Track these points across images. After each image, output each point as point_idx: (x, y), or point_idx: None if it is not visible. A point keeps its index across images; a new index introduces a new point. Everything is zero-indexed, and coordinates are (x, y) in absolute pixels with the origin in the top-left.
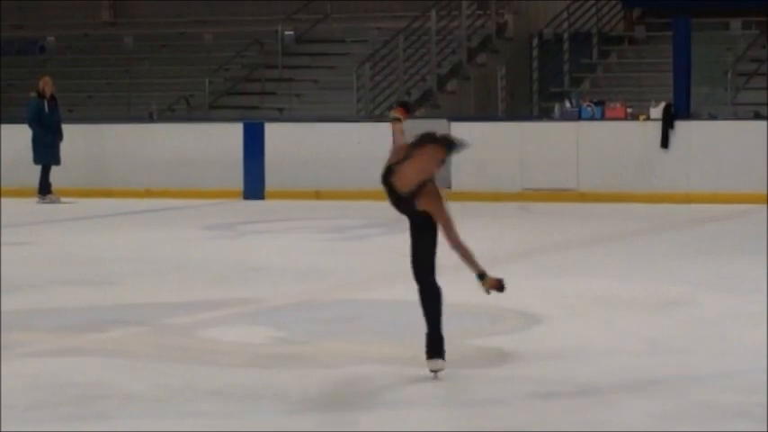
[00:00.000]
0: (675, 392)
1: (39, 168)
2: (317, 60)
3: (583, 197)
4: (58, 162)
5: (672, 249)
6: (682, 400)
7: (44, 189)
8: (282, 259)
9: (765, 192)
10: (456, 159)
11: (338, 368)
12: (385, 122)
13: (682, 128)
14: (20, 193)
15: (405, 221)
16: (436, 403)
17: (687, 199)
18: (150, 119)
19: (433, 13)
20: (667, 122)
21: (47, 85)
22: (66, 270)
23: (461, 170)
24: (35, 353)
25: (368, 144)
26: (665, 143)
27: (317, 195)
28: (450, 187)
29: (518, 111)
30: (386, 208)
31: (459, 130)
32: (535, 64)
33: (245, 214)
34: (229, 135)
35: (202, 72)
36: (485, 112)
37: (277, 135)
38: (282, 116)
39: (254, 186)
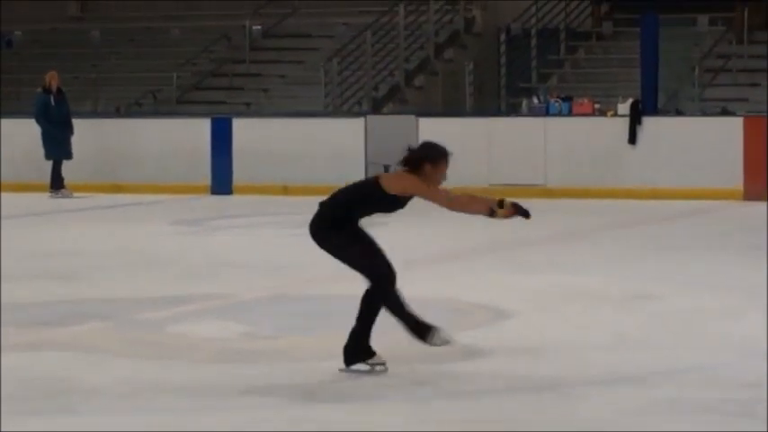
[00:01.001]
0: (644, 387)
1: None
2: (284, 55)
3: (550, 193)
4: (69, 156)
5: (640, 245)
6: (651, 395)
7: (56, 184)
8: (251, 254)
9: (733, 188)
10: None
11: (307, 363)
12: (352, 118)
13: (649, 124)
14: (28, 188)
15: (373, 217)
16: (404, 399)
17: (655, 195)
18: (117, 114)
19: (401, 8)
20: (635, 118)
21: (53, 79)
22: (34, 264)
23: None
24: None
25: (336, 139)
26: (632, 139)
27: (285, 191)
28: None
29: (486, 106)
30: None
31: (426, 126)
32: (503, 59)
33: (214, 209)
34: (197, 130)
35: (170, 67)
36: (452, 108)
37: (245, 130)
38: (250, 111)
39: (221, 181)
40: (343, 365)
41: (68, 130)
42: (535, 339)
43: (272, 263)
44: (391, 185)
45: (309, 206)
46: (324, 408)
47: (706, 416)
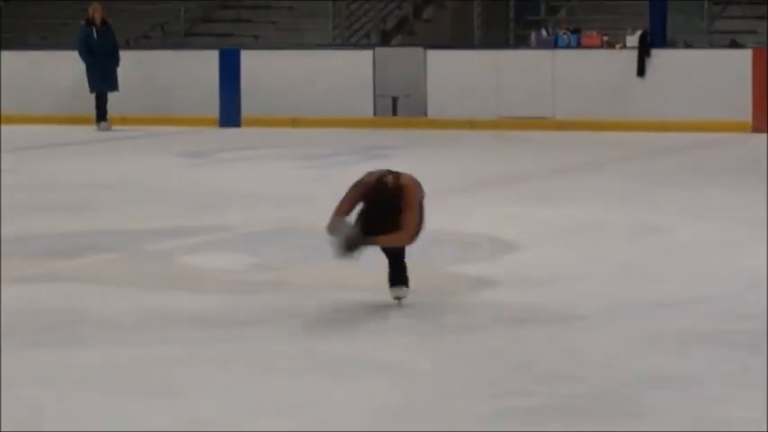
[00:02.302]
0: (650, 318)
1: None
2: None
3: (558, 125)
4: (113, 88)
5: (648, 177)
6: (656, 325)
7: (99, 116)
8: (259, 187)
9: (741, 120)
10: (432, 87)
11: (315, 295)
12: (361, 50)
13: (658, 56)
14: (76, 120)
15: (380, 149)
16: (412, 330)
17: (663, 127)
18: (127, 46)
19: None
20: (643, 51)
21: (96, 11)
22: (42, 197)
23: (437, 98)
24: (9, 279)
25: (344, 72)
26: (641, 71)
27: (294, 123)
28: (425, 115)
29: (494, 39)
30: (361, 136)
31: (434, 58)
32: None
33: (221, 142)
34: (205, 62)
35: None
36: (461, 40)
37: (253, 62)
38: (258, 43)
39: (229, 114)
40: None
41: (113, 62)
42: (542, 271)
43: (281, 195)
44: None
45: (318, 139)
46: (326, 340)
47: (712, 347)
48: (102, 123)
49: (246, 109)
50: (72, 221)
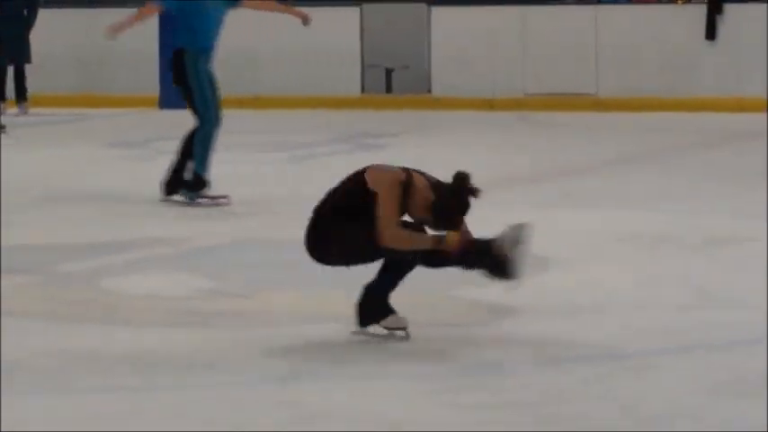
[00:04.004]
0: (730, 358)
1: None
2: None
3: (603, 104)
4: (21, 59)
5: (721, 172)
6: (738, 368)
7: None
8: (211, 186)
9: None
10: (437, 55)
11: (288, 328)
12: (344, 6)
13: (733, 12)
14: None
15: (365, 138)
16: (416, 372)
17: (739, 106)
18: (45, 4)
19: None
20: (714, 6)
21: None
22: None
23: (444, 70)
24: None
25: (323, 35)
26: (710, 34)
27: (257, 102)
28: (429, 91)
29: None
30: (346, 119)
31: (441, 17)
32: None
33: (163, 128)
34: (143, 26)
35: None
36: None
37: None
38: None
39: (173, 92)
40: (355, 327)
41: (20, 26)
42: (584, 296)
43: (239, 197)
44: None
45: (289, 123)
46: (306, 388)
47: None
48: (1, 105)
49: None
50: None
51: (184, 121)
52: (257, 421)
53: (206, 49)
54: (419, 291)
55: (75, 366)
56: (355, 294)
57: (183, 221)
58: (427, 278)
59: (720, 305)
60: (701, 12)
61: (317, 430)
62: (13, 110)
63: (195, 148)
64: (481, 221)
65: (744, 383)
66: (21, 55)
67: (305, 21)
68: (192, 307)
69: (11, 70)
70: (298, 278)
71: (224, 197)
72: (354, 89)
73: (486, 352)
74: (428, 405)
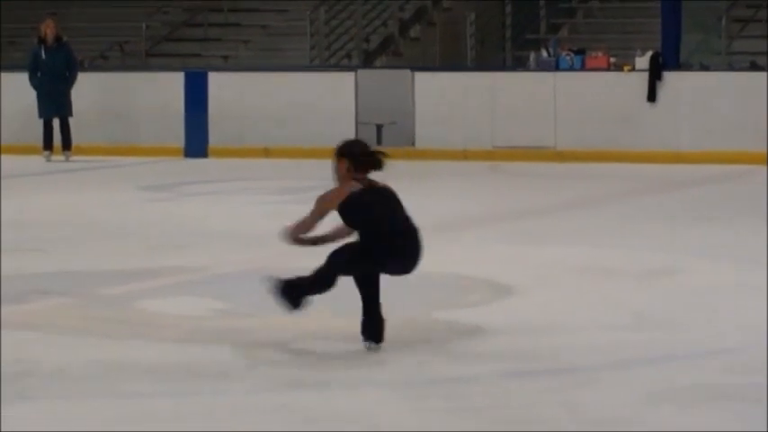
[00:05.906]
0: (662, 372)
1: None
2: (266, 3)
3: (561, 156)
4: (63, 113)
5: (659, 214)
6: (669, 381)
7: (44, 144)
8: (227, 224)
9: (763, 150)
10: (420, 113)
11: (289, 344)
12: (341, 72)
13: (671, 79)
14: (27, 150)
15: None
16: (397, 383)
17: (676, 158)
18: (82, 68)
19: None
20: (655, 73)
21: (48, 28)
22: None
23: (426, 126)
24: None
25: (323, 96)
26: (651, 96)
27: (266, 153)
28: (413, 144)
29: (489, 60)
30: None
31: (423, 81)
32: (508, 8)
33: (187, 174)
34: (169, 85)
35: (138, 15)
36: (452, 62)
37: (222, 86)
38: (228, 65)
39: (196, 143)
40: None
41: (64, 84)
42: (542, 318)
43: (251, 233)
44: None
45: (293, 171)
46: (306, 394)
47: (732, 404)
48: (45, 153)
49: (214, 138)
50: (19, 262)
51: (206, 167)
52: (264, 423)
53: None
54: (406, 312)
55: (107, 375)
56: (345, 314)
57: (202, 253)
58: (413, 301)
59: (656, 327)
60: (643, 78)
61: (317, 430)
62: (59, 157)
63: None
64: (459, 255)
65: (674, 394)
66: (64, 109)
67: None
68: (207, 325)
69: (56, 123)
70: None
71: None
72: None
73: (456, 365)
74: (406, 409)
